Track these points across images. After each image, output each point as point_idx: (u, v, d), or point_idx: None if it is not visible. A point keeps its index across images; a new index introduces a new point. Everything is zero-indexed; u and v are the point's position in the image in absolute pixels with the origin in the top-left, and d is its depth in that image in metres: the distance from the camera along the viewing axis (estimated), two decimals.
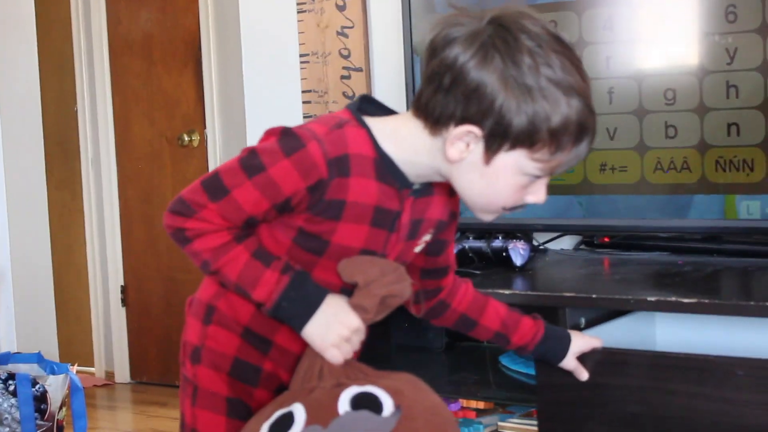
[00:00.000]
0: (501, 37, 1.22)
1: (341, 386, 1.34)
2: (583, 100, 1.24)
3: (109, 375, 4.32)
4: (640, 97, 2.09)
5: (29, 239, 4.42)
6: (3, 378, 2.98)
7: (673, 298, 1.72)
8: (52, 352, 4.14)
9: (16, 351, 3.53)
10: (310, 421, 1.29)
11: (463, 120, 1.26)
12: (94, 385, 4.05)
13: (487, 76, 1.20)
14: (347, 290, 1.36)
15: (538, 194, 1.33)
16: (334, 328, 1.33)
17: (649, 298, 1.74)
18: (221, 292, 1.42)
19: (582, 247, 2.45)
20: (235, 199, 1.31)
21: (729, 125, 2.02)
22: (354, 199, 1.34)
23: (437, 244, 1.50)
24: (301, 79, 2.73)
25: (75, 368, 3.21)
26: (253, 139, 2.82)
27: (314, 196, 1.32)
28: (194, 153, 4.05)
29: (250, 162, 1.31)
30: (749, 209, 2.07)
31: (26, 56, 4.35)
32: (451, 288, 1.53)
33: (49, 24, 4.34)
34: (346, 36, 2.65)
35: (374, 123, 1.35)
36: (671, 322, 2.01)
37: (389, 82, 2.62)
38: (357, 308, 1.35)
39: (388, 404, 1.30)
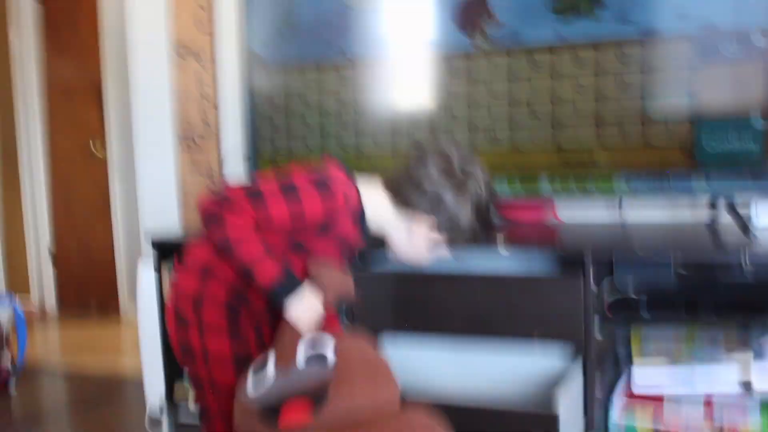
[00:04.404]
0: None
1: (297, 344, 1.60)
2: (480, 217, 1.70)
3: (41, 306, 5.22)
4: None
5: None
6: None
7: None
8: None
9: None
10: (279, 372, 1.56)
11: (424, 210, 1.70)
12: (31, 311, 4.69)
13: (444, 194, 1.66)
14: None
15: (433, 256, 1.77)
16: (307, 310, 1.66)
17: None
18: (214, 260, 1.71)
19: None
20: (270, 215, 1.62)
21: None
22: (339, 230, 1.71)
23: None
24: (173, 113, 3.28)
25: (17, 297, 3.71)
26: (141, 146, 3.42)
27: (321, 226, 1.68)
28: (100, 161, 5.05)
29: (289, 191, 1.63)
30: None
31: None
32: None
33: None
34: (202, 82, 3.20)
35: (363, 189, 1.73)
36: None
37: (231, 110, 3.13)
38: (325, 297, 1.68)
39: (330, 355, 1.56)
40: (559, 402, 1.96)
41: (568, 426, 2.03)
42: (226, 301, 1.72)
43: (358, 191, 1.73)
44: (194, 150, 3.33)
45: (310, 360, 1.55)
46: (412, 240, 1.74)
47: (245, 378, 1.60)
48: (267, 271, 1.62)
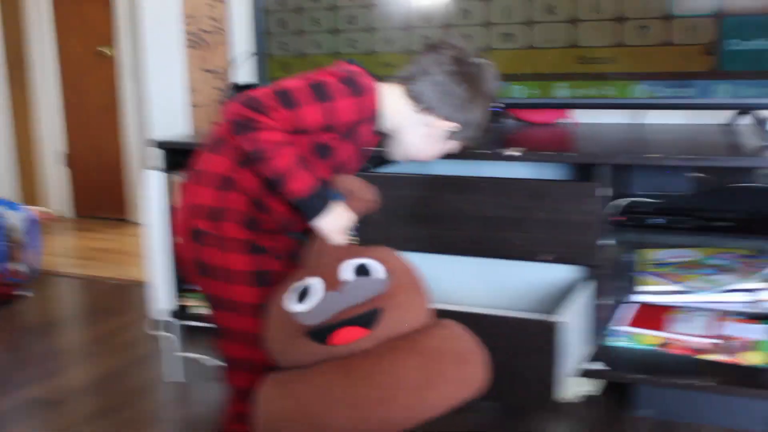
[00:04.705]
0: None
1: (342, 260, 1.57)
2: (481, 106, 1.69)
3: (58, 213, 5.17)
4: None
5: None
6: None
7: None
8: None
9: None
10: (327, 289, 1.53)
11: (431, 108, 1.67)
12: (47, 218, 4.30)
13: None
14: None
15: (436, 156, 1.77)
16: (338, 222, 1.62)
17: None
18: (235, 168, 1.65)
19: None
20: (302, 113, 1.57)
21: (465, 36, 2.30)
22: (362, 132, 1.69)
23: None
24: (181, 10, 3.28)
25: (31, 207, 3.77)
26: (151, 47, 3.40)
27: (350, 127, 1.64)
28: (108, 60, 5.02)
29: (320, 90, 1.58)
30: None
31: None
32: None
33: None
34: None
35: (380, 89, 1.68)
36: (444, 164, 2.20)
37: (241, 7, 3.09)
38: (351, 208, 1.65)
39: (378, 269, 1.55)
40: (564, 310, 1.97)
41: (574, 333, 2.04)
42: (246, 212, 1.65)
43: (377, 95, 1.69)
44: (203, 48, 3.30)
45: (359, 274, 1.53)
46: (423, 135, 1.71)
47: (280, 293, 1.57)
48: (300, 182, 1.56)
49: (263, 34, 2.80)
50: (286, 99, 1.55)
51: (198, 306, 2.75)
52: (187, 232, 1.68)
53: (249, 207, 1.65)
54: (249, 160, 1.59)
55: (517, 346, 1.92)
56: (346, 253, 1.59)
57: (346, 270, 1.54)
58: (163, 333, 2.79)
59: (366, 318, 1.48)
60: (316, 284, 1.54)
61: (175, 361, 2.74)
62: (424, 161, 1.78)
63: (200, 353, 2.81)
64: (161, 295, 2.83)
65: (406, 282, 1.54)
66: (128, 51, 4.86)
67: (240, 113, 1.54)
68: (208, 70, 3.30)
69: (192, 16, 3.29)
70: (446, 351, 1.47)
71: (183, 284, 2.77)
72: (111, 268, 4.10)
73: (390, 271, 1.54)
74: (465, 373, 1.48)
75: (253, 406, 1.54)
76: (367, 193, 1.66)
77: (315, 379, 1.48)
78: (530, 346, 1.91)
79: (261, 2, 2.80)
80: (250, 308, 1.64)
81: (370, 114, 1.64)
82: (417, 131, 1.71)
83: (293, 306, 1.53)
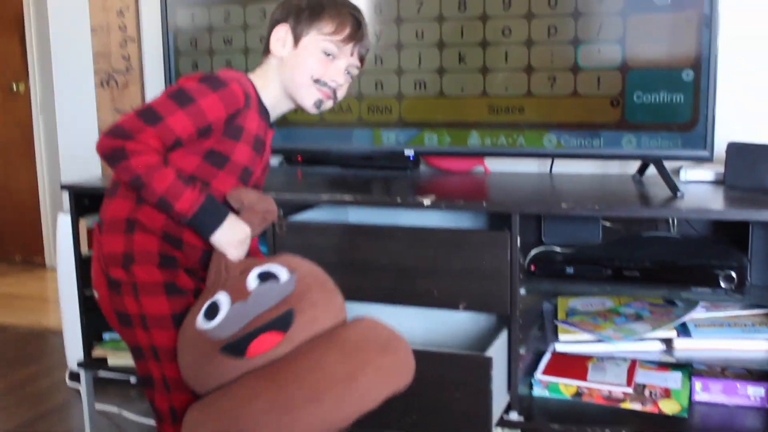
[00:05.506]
0: None
1: (245, 272, 1.55)
2: (338, 3, 1.67)
3: None
4: None
5: None
6: None
7: (338, 196, 2.20)
8: None
9: None
10: (233, 301, 1.49)
11: (277, 23, 1.68)
12: None
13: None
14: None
15: (337, 75, 1.68)
16: (234, 234, 1.58)
17: (323, 197, 2.23)
18: (136, 207, 1.59)
19: (283, 162, 2.87)
20: (168, 124, 1.51)
21: (376, 82, 2.47)
22: (248, 127, 1.62)
23: (257, 186, 1.79)
24: (92, 44, 3.21)
25: None
26: (60, 87, 3.32)
27: (228, 122, 1.58)
28: (21, 97, 4.89)
29: (180, 96, 1.53)
30: (388, 139, 2.50)
31: None
32: None
33: None
34: (123, 15, 3.14)
35: (252, 76, 1.70)
36: (358, 211, 2.46)
37: (153, 47, 3.11)
38: (247, 221, 1.62)
39: (283, 273, 1.52)
40: (492, 349, 1.98)
41: (498, 376, 2.03)
42: (158, 252, 1.59)
43: (250, 80, 1.68)
44: (114, 87, 3.23)
45: (262, 281, 1.50)
46: (310, 62, 1.67)
47: (191, 318, 1.53)
48: (184, 200, 1.52)
49: (175, 74, 2.76)
50: (148, 116, 1.51)
51: (113, 356, 2.67)
52: (103, 283, 1.62)
53: (160, 246, 1.60)
54: (135, 190, 1.55)
55: (452, 382, 1.97)
56: (249, 264, 1.56)
57: (251, 279, 1.51)
58: (76, 384, 2.69)
59: (278, 321, 1.44)
60: (222, 298, 1.50)
61: (89, 413, 2.64)
62: (338, 91, 1.72)
63: (115, 405, 2.74)
64: (74, 344, 2.76)
65: (313, 281, 1.52)
66: (41, 88, 4.72)
67: (108, 145, 1.49)
68: (119, 110, 3.22)
69: (103, 54, 3.21)
70: (368, 341, 1.45)
71: (98, 332, 2.70)
72: (24, 314, 3.96)
73: (294, 272, 1.52)
74: (390, 360, 1.45)
75: None
76: (263, 204, 1.63)
77: (239, 392, 1.42)
78: (465, 382, 1.96)
79: (173, 43, 2.74)
80: (174, 353, 1.58)
81: (240, 103, 1.59)
82: (303, 63, 1.67)
83: (203, 325, 1.49)
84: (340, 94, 1.73)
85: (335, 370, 1.39)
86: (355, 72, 1.74)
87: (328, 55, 1.67)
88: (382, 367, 1.44)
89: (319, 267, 1.60)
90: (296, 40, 1.67)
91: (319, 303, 1.49)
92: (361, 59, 1.73)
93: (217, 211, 1.57)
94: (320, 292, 1.51)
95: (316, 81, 1.67)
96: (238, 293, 1.49)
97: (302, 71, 1.67)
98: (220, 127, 1.58)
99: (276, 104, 1.72)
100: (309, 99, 1.69)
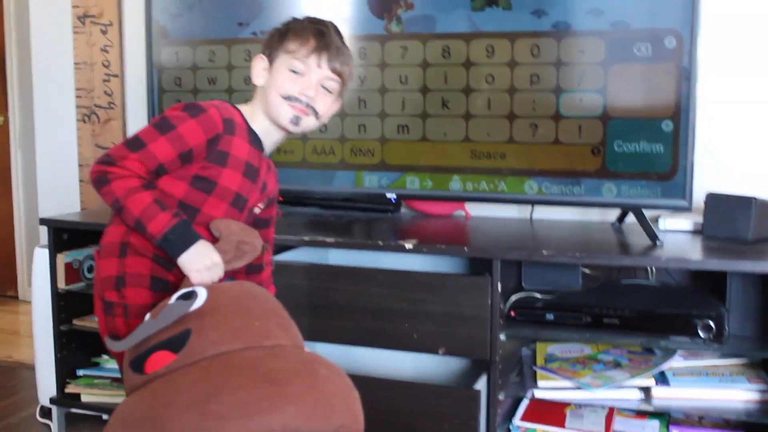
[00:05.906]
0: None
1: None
2: (303, 20, 1.72)
3: None
4: None
5: None
6: None
7: (319, 238, 2.22)
8: None
9: None
10: (152, 317, 1.48)
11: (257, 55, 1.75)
12: None
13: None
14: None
15: (307, 89, 1.70)
16: (200, 259, 1.58)
17: (304, 238, 2.23)
18: (129, 231, 1.63)
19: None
20: (150, 150, 1.59)
21: (359, 126, 2.49)
22: (235, 153, 1.66)
23: (265, 219, 1.84)
24: (75, 80, 3.22)
25: None
26: (41, 121, 3.31)
27: (210, 147, 1.62)
28: (1, 129, 4.81)
29: (162, 124, 1.61)
30: (370, 181, 2.51)
31: None
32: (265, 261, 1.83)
33: None
34: (107, 51, 3.17)
35: (241, 107, 1.75)
36: (339, 252, 2.46)
37: (136, 84, 3.13)
38: (219, 249, 1.61)
39: (203, 293, 1.48)
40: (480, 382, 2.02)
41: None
42: (150, 275, 1.64)
43: (237, 109, 1.72)
44: (95, 122, 3.22)
45: (177, 301, 1.48)
46: (281, 80, 1.70)
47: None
48: (156, 222, 1.56)
49: (158, 111, 2.75)
50: (132, 144, 1.60)
51: (87, 393, 2.63)
52: (99, 308, 1.67)
53: (152, 268, 1.63)
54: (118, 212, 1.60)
55: (442, 414, 2.02)
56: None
57: (173, 298, 1.49)
58: (47, 421, 2.63)
59: (173, 340, 1.42)
60: (147, 315, 1.51)
61: None
62: (316, 105, 1.72)
63: None
64: (46, 379, 2.71)
65: (222, 306, 1.47)
66: (20, 121, 4.68)
67: (95, 171, 1.59)
68: (99, 146, 3.20)
69: (85, 89, 3.20)
70: (256, 368, 1.35)
71: (73, 369, 2.67)
72: None
73: (212, 295, 1.48)
74: (271, 391, 1.30)
75: None
76: (241, 235, 1.63)
77: (121, 409, 1.39)
78: (454, 414, 2.01)
79: (156, 80, 2.75)
80: None
81: (219, 128, 1.62)
82: (274, 84, 1.71)
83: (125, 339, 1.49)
84: (321, 108, 1.73)
85: (189, 390, 1.32)
86: (333, 85, 1.73)
87: (296, 72, 1.70)
88: (255, 396, 1.30)
89: (253, 295, 1.53)
90: (271, 66, 1.73)
91: (214, 326, 1.42)
92: (337, 73, 1.72)
93: (187, 234, 1.59)
94: (220, 316, 1.44)
95: (287, 98, 1.70)
96: (158, 310, 1.49)
97: (273, 91, 1.71)
98: (202, 152, 1.63)
99: (266, 132, 1.75)
100: (284, 116, 1.71)
